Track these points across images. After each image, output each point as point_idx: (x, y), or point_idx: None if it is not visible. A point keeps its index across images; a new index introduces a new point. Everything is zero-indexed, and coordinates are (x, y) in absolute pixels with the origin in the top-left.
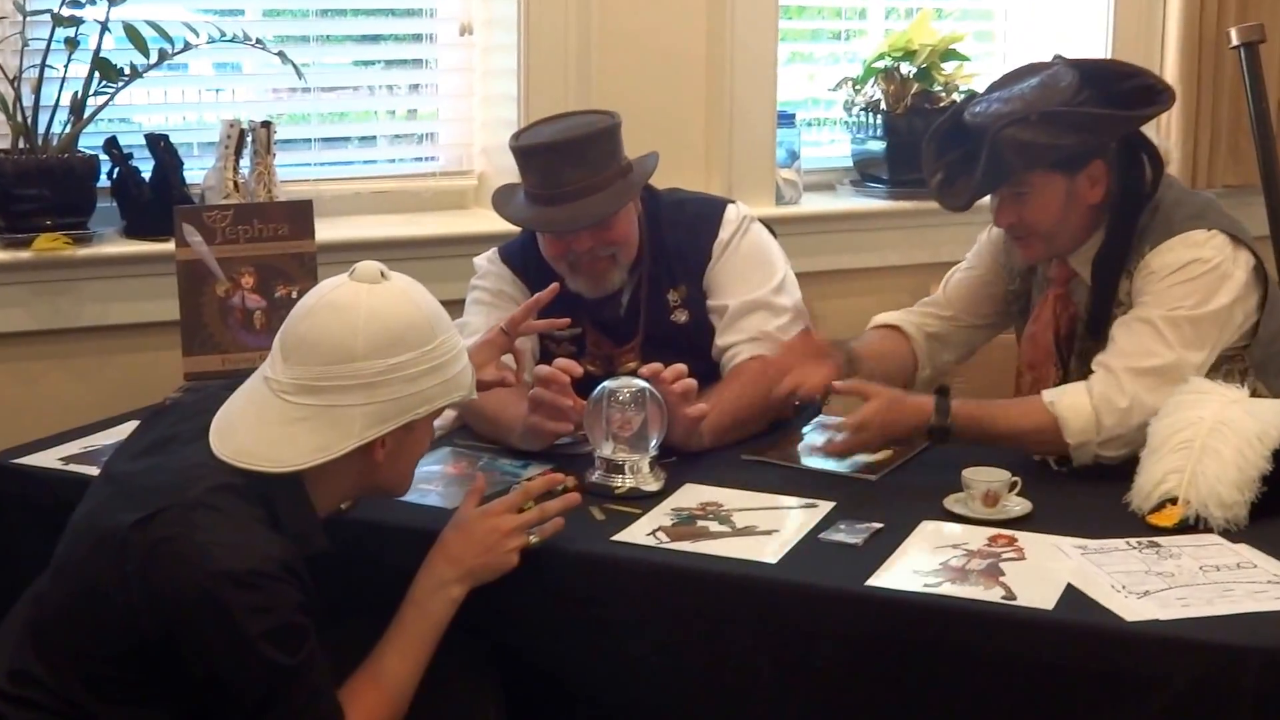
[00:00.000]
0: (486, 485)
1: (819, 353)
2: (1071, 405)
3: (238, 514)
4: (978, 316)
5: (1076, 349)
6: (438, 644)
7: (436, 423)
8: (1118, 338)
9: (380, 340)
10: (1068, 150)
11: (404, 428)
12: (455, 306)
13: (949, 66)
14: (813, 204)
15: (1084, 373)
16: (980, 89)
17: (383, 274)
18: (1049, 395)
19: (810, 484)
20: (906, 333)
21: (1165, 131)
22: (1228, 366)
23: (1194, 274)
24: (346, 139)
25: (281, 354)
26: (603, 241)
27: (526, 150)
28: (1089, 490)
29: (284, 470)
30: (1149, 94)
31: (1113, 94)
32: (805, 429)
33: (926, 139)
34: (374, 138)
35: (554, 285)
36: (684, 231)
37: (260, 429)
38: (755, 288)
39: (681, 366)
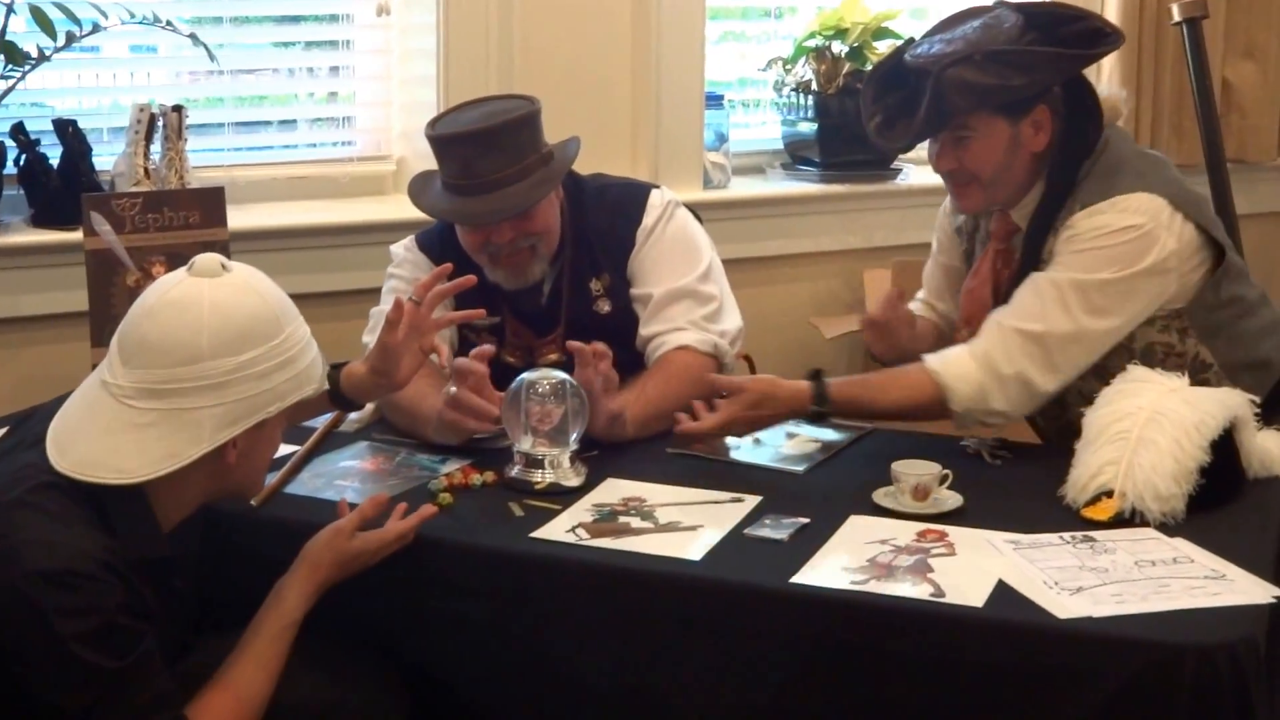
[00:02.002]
0: (407, 481)
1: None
2: (958, 375)
3: (60, 512)
4: (955, 279)
5: None
6: (290, 648)
7: (352, 416)
8: (1019, 294)
9: (227, 337)
10: (1013, 92)
11: (255, 427)
12: (372, 295)
13: (882, 45)
14: (741, 188)
15: None
16: None
17: (224, 266)
18: (932, 362)
19: (736, 478)
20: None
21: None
22: (1163, 323)
23: (1117, 241)
24: (262, 123)
25: (121, 357)
26: (523, 232)
27: (443, 139)
28: (1023, 483)
29: (132, 481)
30: (1096, 36)
31: (1059, 36)
32: None
33: (865, 81)
34: (292, 122)
35: (470, 277)
36: (606, 218)
37: (103, 438)
38: (680, 275)
39: (602, 345)
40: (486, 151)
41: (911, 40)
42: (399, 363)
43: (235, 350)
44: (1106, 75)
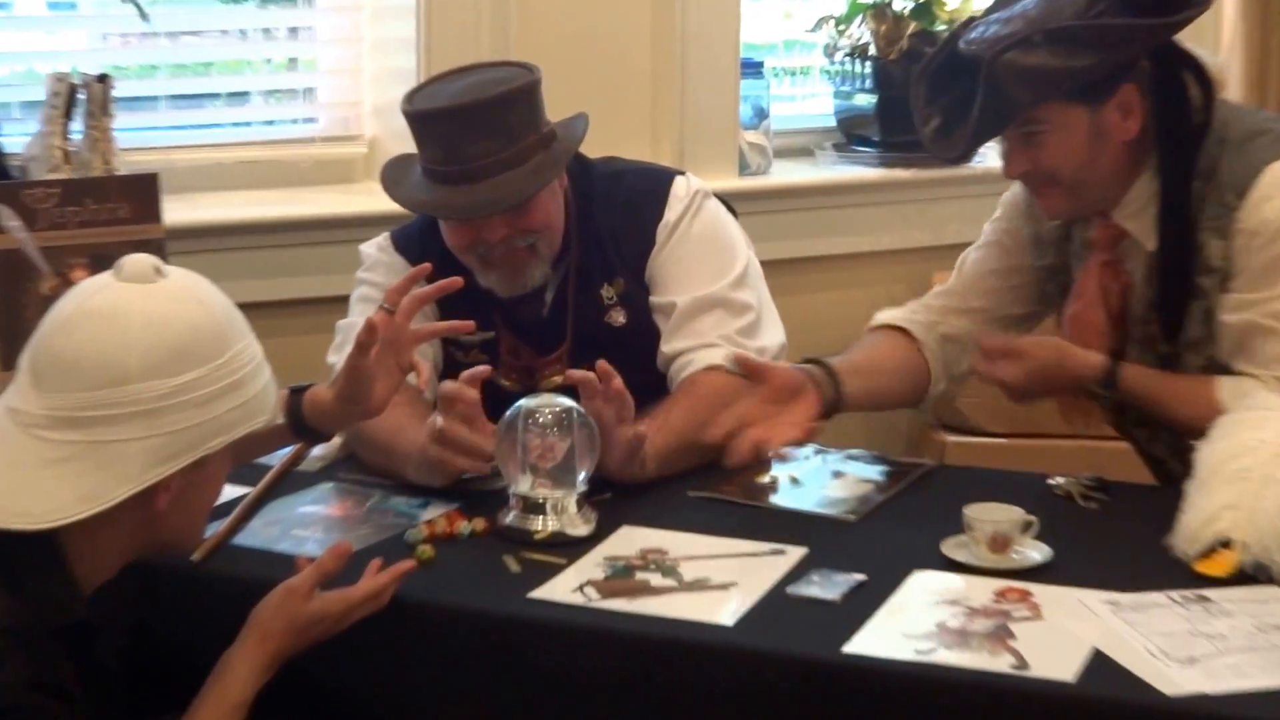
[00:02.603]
0: (381, 530)
1: (789, 388)
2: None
3: None
4: (1006, 305)
5: (1137, 333)
6: None
7: (316, 451)
8: (1255, 344)
9: (161, 355)
10: (1085, 74)
11: (193, 465)
12: (339, 305)
13: (953, 0)
14: (785, 174)
15: (1145, 362)
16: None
17: (157, 270)
18: (1224, 388)
19: (776, 526)
20: (914, 336)
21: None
22: None
23: None
24: (206, 96)
25: (32, 379)
26: (520, 228)
27: (422, 116)
28: (1122, 531)
29: (41, 527)
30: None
31: (1135, 3)
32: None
33: (915, 77)
34: (243, 94)
35: (455, 279)
36: (621, 212)
37: (7, 475)
38: (710, 280)
39: (606, 365)
40: (475, 131)
41: (971, 20)
42: (371, 386)
43: (171, 371)
44: (1227, 41)
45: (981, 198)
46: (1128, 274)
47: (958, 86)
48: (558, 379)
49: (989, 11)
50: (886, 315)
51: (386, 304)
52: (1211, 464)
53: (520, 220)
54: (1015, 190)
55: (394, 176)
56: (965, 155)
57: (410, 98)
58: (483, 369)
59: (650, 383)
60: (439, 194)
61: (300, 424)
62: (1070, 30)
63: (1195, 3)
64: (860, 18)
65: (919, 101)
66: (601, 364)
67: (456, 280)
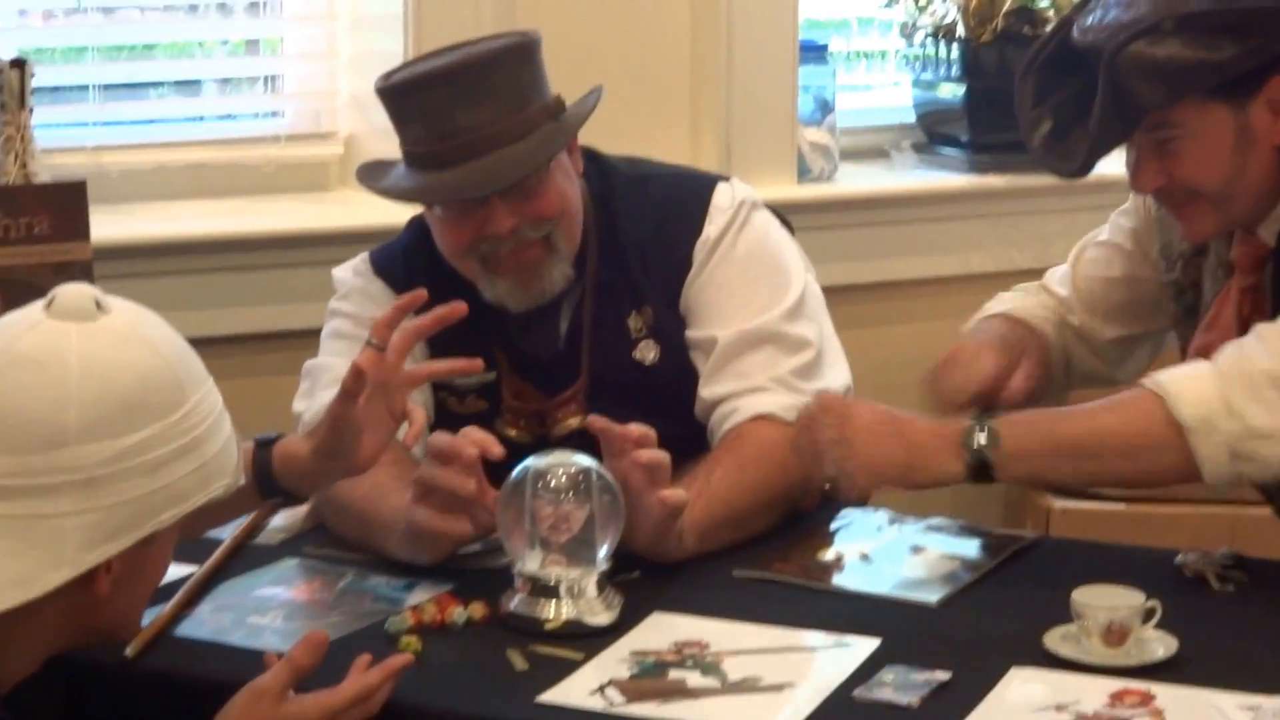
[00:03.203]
0: (356, 618)
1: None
2: (1187, 376)
3: None
4: (1119, 320)
5: None
6: None
7: (278, 520)
8: None
9: (105, 412)
10: (1228, 67)
11: (142, 542)
12: (309, 340)
13: None
14: (855, 180)
15: None
16: None
17: (99, 304)
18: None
19: (840, 612)
20: (1035, 329)
21: None
22: None
23: None
24: (147, 86)
25: None
26: (531, 216)
27: (402, 88)
28: (1264, 619)
29: None
30: None
31: None
32: (834, 525)
33: (1020, 73)
34: (193, 83)
35: (458, 304)
36: (651, 225)
37: None
38: (759, 310)
39: (648, 430)
40: (468, 97)
41: (1085, 2)
42: (358, 439)
43: (117, 431)
44: None
45: (1095, 210)
46: (1269, 304)
47: (1072, 83)
48: (573, 422)
49: None
50: (1001, 305)
51: (374, 340)
52: None
53: (531, 205)
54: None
55: (372, 173)
56: (1085, 167)
57: (386, 76)
58: (489, 442)
59: (686, 434)
60: (428, 179)
61: (270, 483)
62: (1207, 15)
63: None
64: None
65: (1026, 102)
66: (635, 428)
67: (460, 306)
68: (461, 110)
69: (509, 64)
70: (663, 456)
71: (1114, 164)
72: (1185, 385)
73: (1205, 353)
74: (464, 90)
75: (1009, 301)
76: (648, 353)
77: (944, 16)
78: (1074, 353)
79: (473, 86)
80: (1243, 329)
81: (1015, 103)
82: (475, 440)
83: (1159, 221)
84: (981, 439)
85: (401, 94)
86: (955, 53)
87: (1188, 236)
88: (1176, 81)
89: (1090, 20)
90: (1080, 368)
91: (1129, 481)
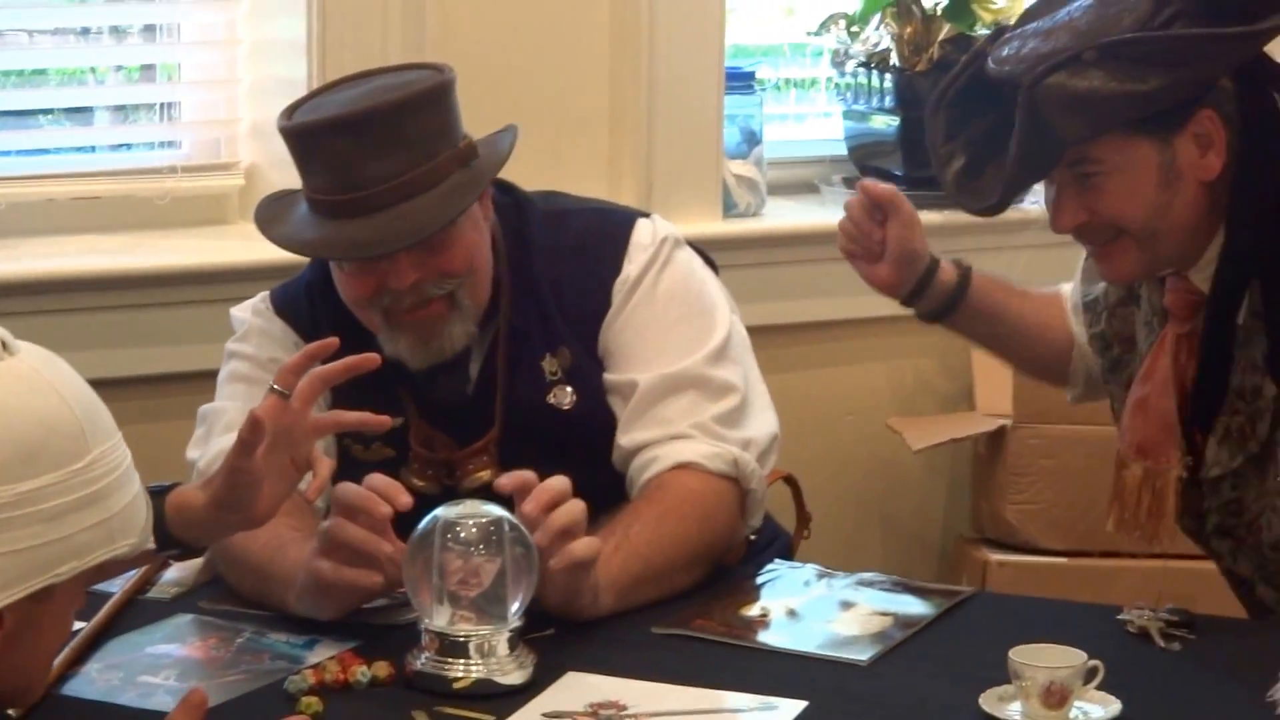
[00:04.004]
0: (254, 677)
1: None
2: None
3: None
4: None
5: (1218, 425)
6: None
7: (171, 573)
8: None
9: (3, 456)
10: (1153, 99)
11: (36, 595)
12: (205, 383)
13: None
14: (783, 216)
15: (1233, 464)
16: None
17: (4, 346)
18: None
19: (765, 671)
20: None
21: None
22: None
23: None
24: (34, 113)
25: None
26: (435, 271)
27: (306, 131)
28: (1214, 679)
29: None
30: (1265, 1)
31: (1212, 6)
32: (760, 579)
33: (931, 108)
34: (85, 110)
35: (372, 356)
36: (568, 264)
37: None
38: (681, 354)
39: (562, 481)
40: (373, 146)
41: (1000, 32)
42: (256, 490)
43: (11, 476)
44: None
45: (1036, 247)
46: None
47: (986, 118)
48: (485, 474)
49: (1021, 22)
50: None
51: (278, 385)
52: None
53: (435, 260)
54: None
55: (271, 213)
56: (999, 205)
57: (289, 112)
58: (397, 490)
59: (603, 483)
60: (329, 230)
61: (163, 535)
62: (1131, 44)
63: None
64: (879, 17)
65: (937, 137)
66: (555, 483)
67: (372, 357)
68: (368, 161)
69: (420, 110)
70: (577, 511)
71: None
72: None
73: (1144, 406)
74: (371, 139)
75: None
76: (563, 397)
77: (877, 44)
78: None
79: (380, 136)
80: (1179, 377)
81: (926, 138)
82: (380, 489)
83: (1086, 271)
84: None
85: (304, 138)
86: (889, 82)
87: (1107, 277)
88: (1099, 114)
89: (1006, 51)
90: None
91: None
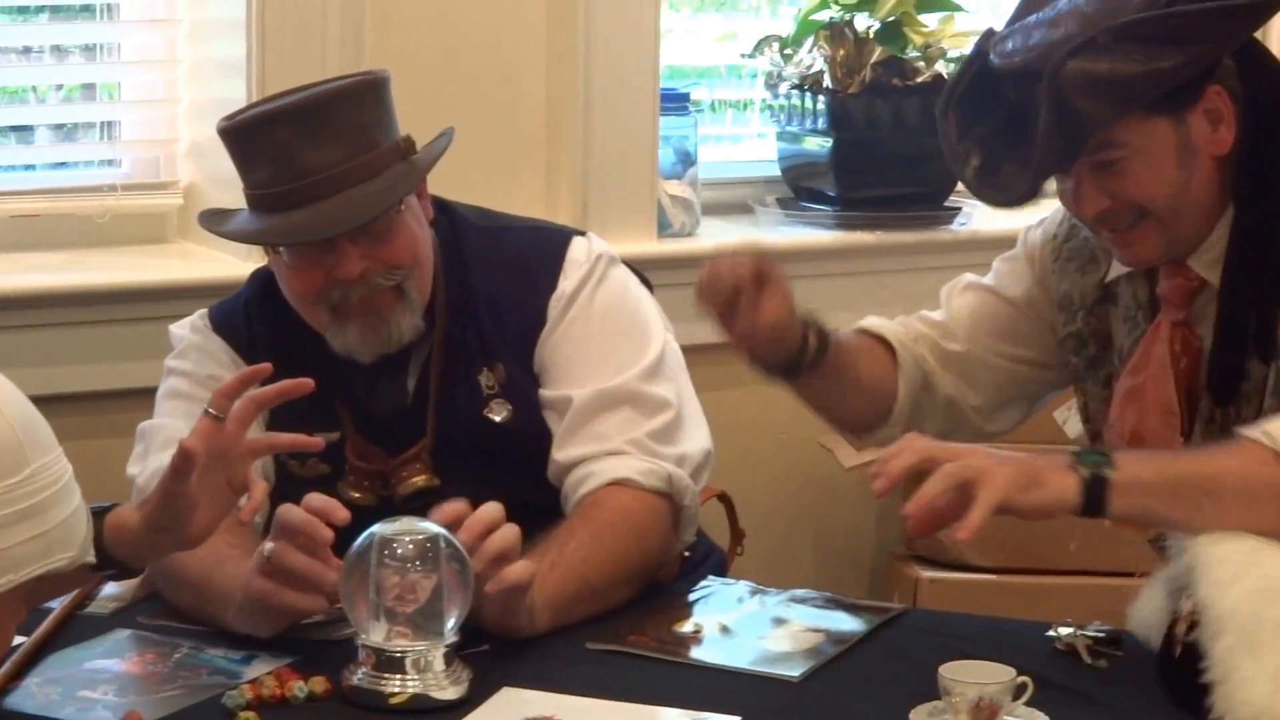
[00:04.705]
0: (192, 692)
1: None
2: None
3: None
4: (1015, 349)
5: (1202, 412)
6: None
7: (110, 588)
8: None
9: None
10: (1172, 75)
11: None
12: (144, 400)
13: (931, 20)
14: (717, 236)
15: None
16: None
17: None
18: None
19: (698, 687)
20: (894, 352)
21: None
22: None
23: None
24: None
25: None
26: (381, 261)
27: (246, 125)
28: (1136, 697)
29: None
30: None
31: None
32: (693, 596)
33: (941, 109)
34: (25, 129)
35: (307, 381)
36: (503, 279)
37: None
38: (616, 369)
39: (495, 509)
40: (315, 136)
41: (992, 32)
42: (191, 512)
43: None
44: None
45: (968, 268)
46: (1200, 340)
47: (993, 114)
48: (419, 480)
49: (1019, 16)
50: (871, 322)
51: (213, 409)
52: (1249, 612)
53: (381, 250)
54: (1046, 232)
55: (214, 219)
56: (1027, 195)
57: (230, 117)
58: (335, 508)
59: (538, 498)
60: (275, 220)
61: (102, 554)
62: (1143, 24)
63: None
64: (812, 40)
65: (951, 137)
66: (487, 511)
67: (306, 382)
68: (309, 150)
69: (357, 102)
70: (511, 537)
71: (979, 222)
72: None
73: (1136, 396)
74: (311, 129)
75: (880, 324)
76: (499, 412)
77: (810, 67)
78: (936, 381)
79: (320, 125)
80: (1175, 365)
81: (939, 137)
82: (318, 509)
83: (1058, 271)
84: (1095, 460)
85: (245, 134)
86: (822, 104)
87: (1130, 262)
88: (1121, 95)
89: (1010, 45)
90: (918, 420)
91: (1252, 528)
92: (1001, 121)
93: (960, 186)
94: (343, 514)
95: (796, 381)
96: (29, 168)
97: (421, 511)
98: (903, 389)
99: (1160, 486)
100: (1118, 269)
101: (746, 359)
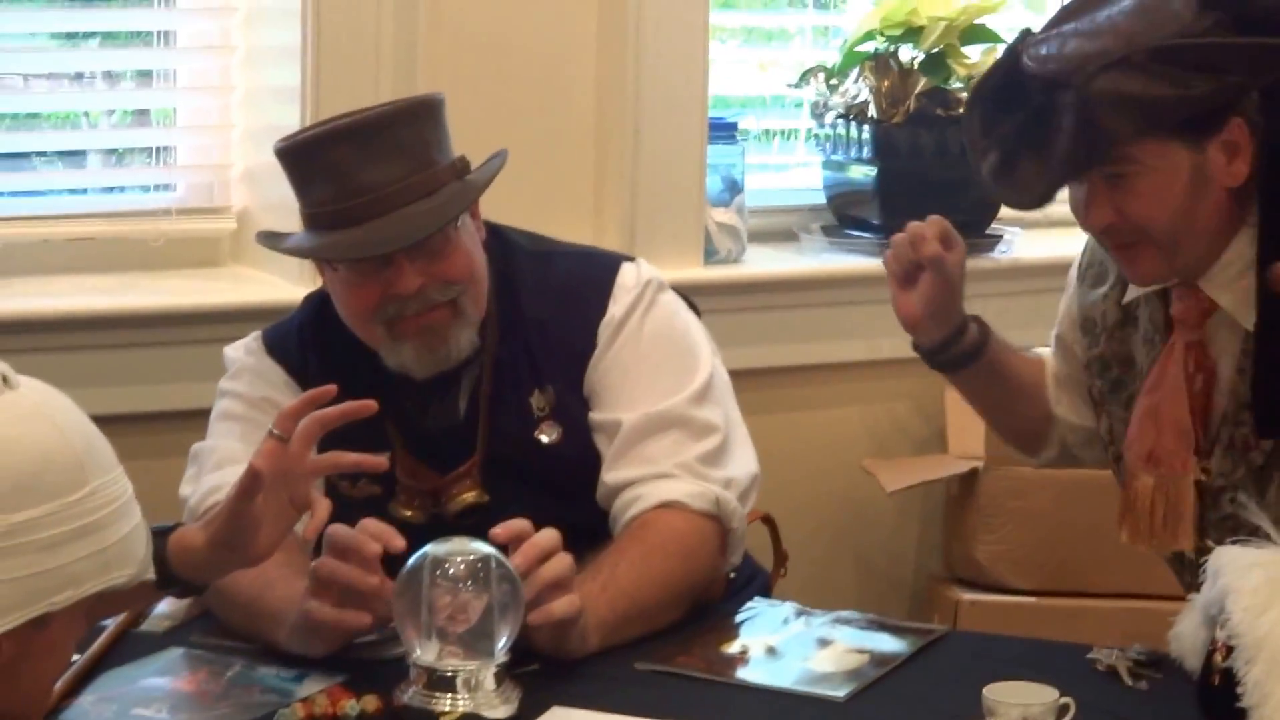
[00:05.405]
0: (244, 709)
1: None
2: None
3: None
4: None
5: (1224, 435)
6: None
7: (162, 607)
8: None
9: (1, 486)
10: (1200, 103)
11: (33, 623)
12: (199, 420)
13: (974, 52)
14: (762, 263)
15: (1235, 475)
16: None
17: (5, 380)
18: None
19: (746, 707)
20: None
21: None
22: None
23: None
24: (29, 156)
25: None
26: (438, 277)
27: (304, 146)
28: (1179, 717)
29: None
30: None
31: (1253, 16)
32: (740, 617)
33: (969, 102)
34: (78, 154)
35: (369, 403)
36: (554, 304)
37: None
38: (665, 393)
39: (552, 535)
40: (373, 154)
41: (1028, 33)
42: (256, 532)
43: (7, 506)
44: None
45: (1006, 295)
46: (1213, 360)
47: (1016, 115)
48: (469, 497)
49: (1062, 19)
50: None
51: (277, 430)
52: (1275, 643)
53: (438, 266)
54: (1077, 264)
55: (272, 237)
56: (1041, 199)
57: (288, 138)
58: (391, 534)
59: (587, 519)
60: (335, 236)
61: (165, 573)
62: (1179, 50)
63: None
64: (857, 71)
65: (974, 132)
66: (544, 537)
67: (370, 404)
68: (367, 168)
69: (413, 121)
70: (564, 567)
71: (1022, 249)
72: None
73: (1154, 414)
74: (369, 148)
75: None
76: (549, 433)
77: (855, 96)
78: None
79: (378, 144)
80: (1190, 385)
81: (963, 132)
82: (375, 534)
83: (1081, 296)
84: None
85: (304, 153)
86: (866, 134)
87: (1135, 279)
88: (1146, 115)
89: (1046, 50)
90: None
91: None
92: (1024, 123)
93: (1002, 214)
94: (398, 541)
95: (960, 375)
96: (81, 192)
97: (472, 527)
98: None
99: None
100: (1134, 290)
101: (911, 334)
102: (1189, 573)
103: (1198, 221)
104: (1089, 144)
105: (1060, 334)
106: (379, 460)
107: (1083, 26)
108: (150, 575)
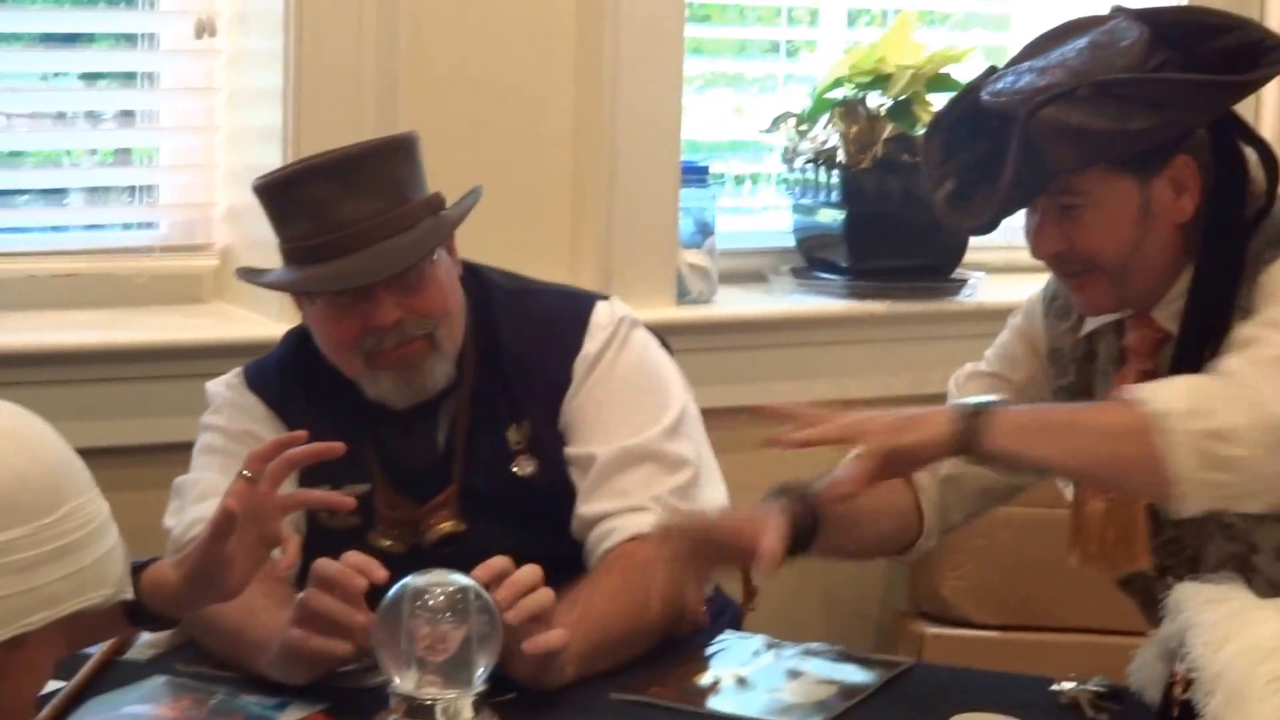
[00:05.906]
0: None
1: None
2: (1165, 387)
3: None
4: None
5: None
6: None
7: (146, 635)
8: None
9: None
10: (1141, 138)
11: (9, 644)
12: (181, 454)
13: (940, 100)
14: (733, 303)
15: None
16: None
17: None
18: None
19: None
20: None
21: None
22: None
23: None
24: (13, 193)
25: None
26: (415, 310)
27: (283, 180)
28: None
29: None
30: (1254, 53)
31: (1201, 55)
32: (711, 649)
33: (928, 132)
34: (60, 192)
35: (338, 445)
36: (530, 340)
37: None
38: (638, 428)
39: (534, 571)
40: (350, 190)
41: (992, 70)
42: (229, 568)
43: None
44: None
45: (973, 338)
46: None
47: (977, 146)
48: (447, 527)
49: (1018, 59)
50: None
51: (248, 471)
52: (1235, 675)
53: (415, 299)
54: (1026, 307)
55: (254, 273)
56: (990, 225)
57: (266, 176)
58: (374, 566)
59: (562, 551)
60: (313, 270)
61: (138, 607)
62: (1124, 84)
63: (1274, 60)
64: (827, 117)
65: (931, 161)
66: (525, 574)
67: (338, 446)
68: (344, 203)
69: (390, 158)
70: (547, 601)
71: (986, 294)
72: (1157, 388)
73: None
74: (346, 183)
75: None
76: (525, 467)
77: (824, 142)
78: (944, 504)
79: (354, 180)
80: None
81: (921, 159)
82: (358, 566)
83: (1048, 328)
84: (976, 405)
85: (282, 189)
86: (835, 178)
87: (1084, 309)
88: (1088, 147)
89: (1001, 85)
90: (945, 522)
91: (1109, 469)
92: (980, 156)
93: (967, 258)
94: (381, 573)
95: (811, 553)
96: (62, 229)
97: (450, 556)
98: (929, 514)
99: (1031, 424)
100: (1092, 321)
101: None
102: (1141, 594)
103: (1147, 255)
104: (1034, 172)
105: (998, 367)
106: (346, 500)
107: (1037, 63)
108: (128, 594)
